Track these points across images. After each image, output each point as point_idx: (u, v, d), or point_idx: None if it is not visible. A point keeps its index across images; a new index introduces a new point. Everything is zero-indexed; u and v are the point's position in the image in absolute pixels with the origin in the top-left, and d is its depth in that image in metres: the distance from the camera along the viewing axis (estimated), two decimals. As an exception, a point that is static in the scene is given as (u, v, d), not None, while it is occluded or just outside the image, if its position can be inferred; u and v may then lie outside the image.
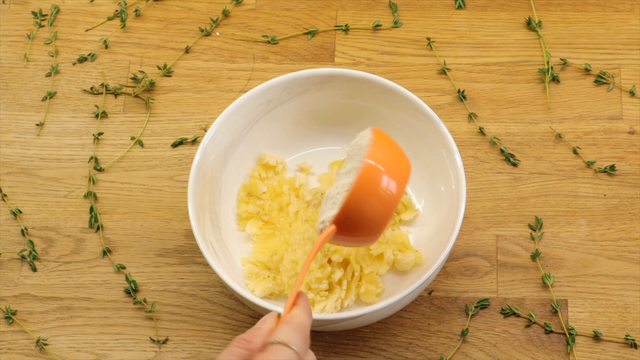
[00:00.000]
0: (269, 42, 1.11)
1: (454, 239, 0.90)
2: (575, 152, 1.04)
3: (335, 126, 1.03)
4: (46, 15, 1.13)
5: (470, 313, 0.97)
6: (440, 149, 0.95)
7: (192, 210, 0.92)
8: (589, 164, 1.03)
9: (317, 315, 0.91)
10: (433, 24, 1.11)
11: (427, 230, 0.98)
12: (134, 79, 1.09)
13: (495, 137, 1.05)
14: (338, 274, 0.94)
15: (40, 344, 0.97)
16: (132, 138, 1.06)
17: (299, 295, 0.77)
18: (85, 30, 1.12)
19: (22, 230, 1.02)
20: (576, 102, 1.06)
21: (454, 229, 0.90)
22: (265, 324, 0.76)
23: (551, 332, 0.96)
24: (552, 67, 1.07)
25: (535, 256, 0.99)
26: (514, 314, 0.97)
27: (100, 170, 1.05)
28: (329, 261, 0.95)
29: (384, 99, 0.98)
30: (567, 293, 0.98)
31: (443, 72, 1.08)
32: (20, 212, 1.03)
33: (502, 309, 0.97)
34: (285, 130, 1.02)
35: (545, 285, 0.98)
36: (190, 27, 1.12)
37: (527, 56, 1.09)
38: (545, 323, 0.96)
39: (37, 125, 1.07)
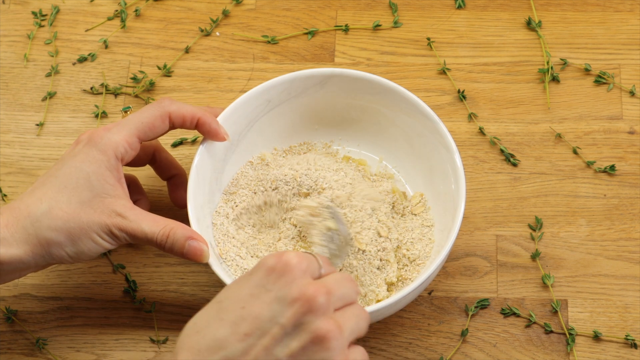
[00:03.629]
0: (269, 42, 1.11)
1: (454, 238, 0.90)
2: (575, 152, 1.04)
3: (335, 126, 1.03)
4: (46, 15, 1.13)
5: (470, 313, 0.97)
6: (440, 149, 0.95)
7: (192, 210, 0.92)
8: (589, 164, 1.03)
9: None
10: (433, 24, 1.11)
11: (427, 230, 0.99)
12: (134, 79, 1.09)
13: (495, 137, 1.05)
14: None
15: (40, 344, 0.97)
16: (132, 138, 1.06)
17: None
18: (85, 30, 1.12)
19: (22, 230, 1.02)
20: (576, 102, 1.06)
21: (453, 229, 0.90)
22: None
23: (551, 332, 0.96)
24: (552, 67, 1.07)
25: (535, 256, 0.99)
26: (514, 314, 0.97)
27: (100, 170, 1.05)
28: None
29: (384, 98, 0.98)
30: (567, 293, 0.98)
31: (443, 72, 1.08)
32: (20, 212, 1.03)
33: (502, 309, 0.97)
34: (285, 131, 1.02)
35: (545, 285, 0.98)
36: (190, 27, 1.12)
37: (527, 56, 1.09)
38: (545, 323, 0.96)
39: (37, 125, 1.07)
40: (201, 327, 0.75)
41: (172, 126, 0.92)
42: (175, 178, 0.99)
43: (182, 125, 0.92)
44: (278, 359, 0.73)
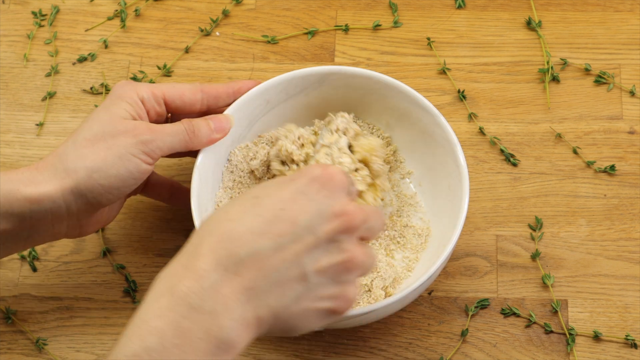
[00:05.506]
0: (269, 42, 1.11)
1: (455, 239, 0.90)
2: (575, 152, 1.04)
3: (335, 126, 1.03)
4: (46, 15, 1.13)
5: (470, 313, 0.97)
6: (442, 143, 0.95)
7: (196, 211, 0.92)
8: (589, 164, 1.03)
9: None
10: (433, 24, 1.11)
11: (427, 230, 0.98)
12: (134, 79, 1.09)
13: (495, 137, 1.05)
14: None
15: (40, 344, 0.97)
16: (132, 138, 1.06)
17: None
18: (85, 30, 1.13)
19: (22, 230, 1.02)
20: (576, 102, 1.06)
21: (454, 229, 0.90)
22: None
23: (551, 332, 0.96)
24: (552, 67, 1.07)
25: (535, 256, 0.99)
26: (514, 314, 0.97)
27: (100, 170, 1.05)
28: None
29: (383, 95, 0.98)
30: (567, 293, 0.98)
31: (443, 72, 1.08)
32: (20, 212, 1.03)
33: (502, 309, 0.97)
34: (285, 130, 1.02)
35: (545, 285, 0.98)
36: (190, 27, 1.12)
37: (527, 56, 1.09)
38: (545, 323, 0.96)
39: (37, 125, 1.07)
40: (234, 216, 0.73)
41: (203, 103, 0.93)
42: (176, 192, 0.98)
43: (209, 105, 0.94)
44: (304, 268, 0.72)
